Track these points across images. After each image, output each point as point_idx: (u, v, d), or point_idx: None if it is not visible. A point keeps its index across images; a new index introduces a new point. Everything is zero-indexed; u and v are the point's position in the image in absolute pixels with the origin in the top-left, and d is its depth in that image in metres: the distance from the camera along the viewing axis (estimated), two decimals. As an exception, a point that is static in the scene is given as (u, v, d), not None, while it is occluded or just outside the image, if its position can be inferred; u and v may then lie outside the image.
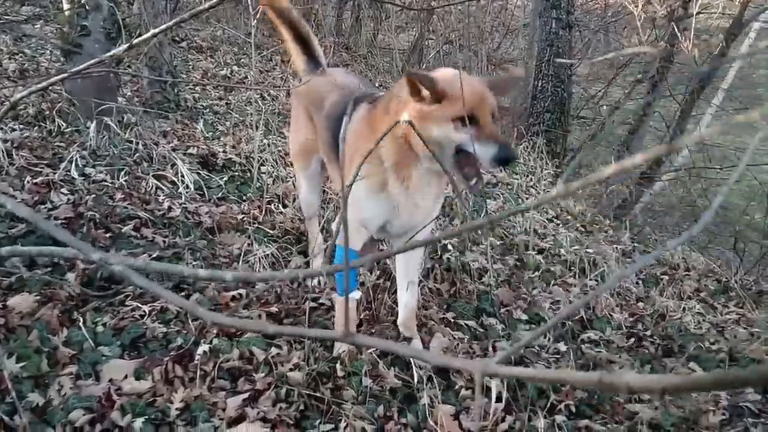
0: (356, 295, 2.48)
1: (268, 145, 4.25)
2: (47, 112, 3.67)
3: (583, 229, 4.68)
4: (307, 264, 3.00)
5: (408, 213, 2.29)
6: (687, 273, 4.09)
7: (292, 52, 2.98)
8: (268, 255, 2.90)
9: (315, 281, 2.88)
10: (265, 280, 1.66)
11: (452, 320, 2.84)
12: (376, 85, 6.75)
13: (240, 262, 2.82)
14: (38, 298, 2.19)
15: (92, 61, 1.58)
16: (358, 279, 2.75)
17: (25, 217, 0.80)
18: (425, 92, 1.99)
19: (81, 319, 2.17)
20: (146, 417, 1.86)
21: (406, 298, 2.57)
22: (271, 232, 3.20)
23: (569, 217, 4.86)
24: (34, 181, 2.96)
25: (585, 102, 9.48)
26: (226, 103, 5.35)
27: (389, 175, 2.19)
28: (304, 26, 2.92)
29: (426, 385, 2.28)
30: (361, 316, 2.66)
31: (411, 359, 2.34)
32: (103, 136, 3.51)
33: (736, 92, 9.44)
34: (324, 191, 3.37)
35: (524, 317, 3.04)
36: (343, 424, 2.03)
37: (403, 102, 2.08)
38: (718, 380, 0.43)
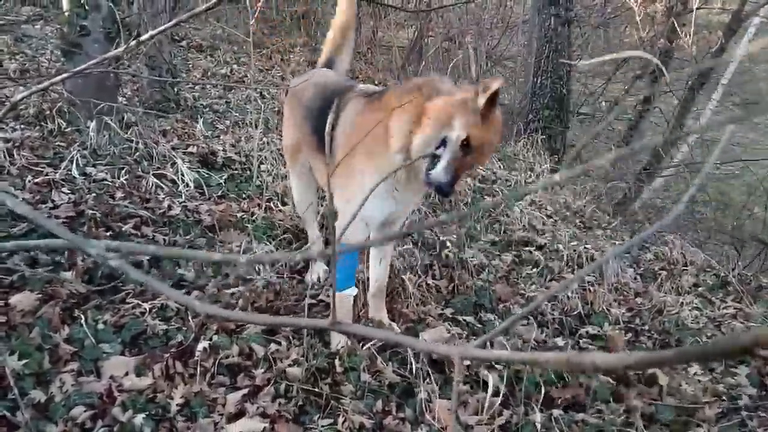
0: (353, 291, 2.51)
1: (268, 143, 4.27)
2: (48, 112, 3.69)
3: (582, 225, 4.69)
4: (307, 265, 3.02)
5: (404, 206, 2.32)
6: (685, 268, 4.09)
7: (325, 46, 3.03)
8: (267, 252, 2.92)
9: (315, 278, 2.90)
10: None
11: (450, 316, 2.86)
12: (375, 82, 6.76)
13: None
14: (39, 296, 2.21)
15: (92, 62, 1.60)
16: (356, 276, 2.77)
17: (25, 214, 0.83)
18: (482, 99, 1.99)
19: (82, 317, 2.19)
20: (147, 413, 1.88)
21: (378, 272, 2.58)
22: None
23: (568, 213, 4.88)
24: (35, 180, 2.99)
25: (584, 98, 9.48)
26: (226, 102, 5.37)
27: (400, 169, 2.18)
28: (350, 33, 2.97)
29: (424, 380, 2.30)
30: (360, 313, 2.68)
31: (409, 354, 2.36)
32: (104, 136, 3.53)
33: (736, 88, 9.44)
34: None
35: (522, 313, 3.06)
36: (341, 419, 2.05)
37: (440, 97, 2.09)
38: (680, 355, 0.45)
